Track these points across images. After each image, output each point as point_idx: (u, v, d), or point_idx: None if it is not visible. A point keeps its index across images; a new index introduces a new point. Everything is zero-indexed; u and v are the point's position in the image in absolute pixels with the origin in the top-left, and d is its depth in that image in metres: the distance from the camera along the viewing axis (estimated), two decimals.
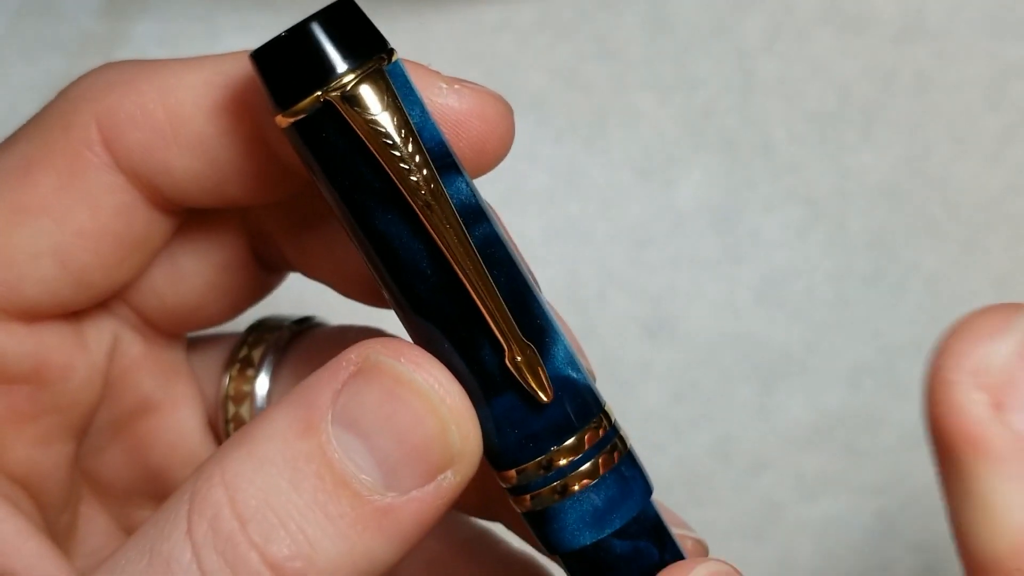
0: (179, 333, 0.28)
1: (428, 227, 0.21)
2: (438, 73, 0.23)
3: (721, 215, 0.45)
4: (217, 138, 0.23)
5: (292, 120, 0.21)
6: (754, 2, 0.45)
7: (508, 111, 0.24)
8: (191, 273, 0.26)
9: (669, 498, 0.46)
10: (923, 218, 0.45)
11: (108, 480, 0.27)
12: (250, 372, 0.28)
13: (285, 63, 0.21)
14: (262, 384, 0.28)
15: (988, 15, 0.45)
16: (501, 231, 0.22)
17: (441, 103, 0.23)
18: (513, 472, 0.22)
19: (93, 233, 0.24)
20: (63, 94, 0.24)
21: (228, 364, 0.28)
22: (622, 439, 0.23)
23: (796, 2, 0.45)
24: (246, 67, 0.23)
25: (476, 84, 0.23)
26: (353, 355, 0.21)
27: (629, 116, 0.45)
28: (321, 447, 0.20)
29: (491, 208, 0.22)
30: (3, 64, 0.46)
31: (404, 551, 0.21)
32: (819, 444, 0.45)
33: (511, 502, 0.23)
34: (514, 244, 0.23)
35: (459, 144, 0.23)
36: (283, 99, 0.21)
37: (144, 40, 0.46)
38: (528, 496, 0.22)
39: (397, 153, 0.20)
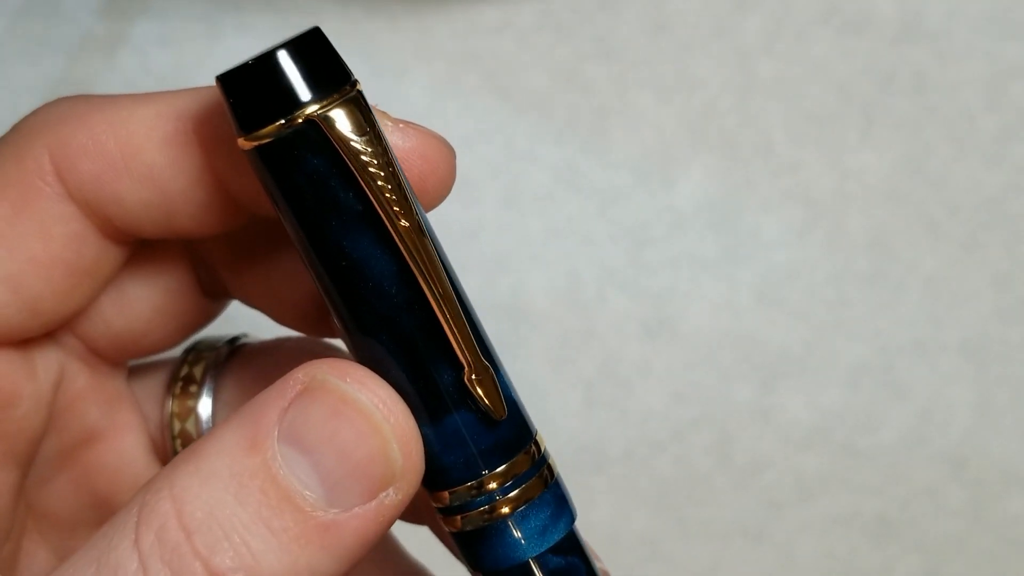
0: (123, 360, 0.28)
1: (404, 247, 0.21)
2: (385, 112, 0.24)
3: (721, 215, 0.45)
4: (167, 169, 0.24)
5: (256, 144, 0.21)
6: (754, 3, 0.45)
7: (451, 154, 0.24)
8: (137, 301, 0.27)
9: (669, 498, 0.46)
10: (922, 218, 0.45)
11: (54, 511, 0.28)
12: (193, 388, 0.29)
13: (254, 88, 0.21)
14: (205, 400, 0.29)
15: (987, 16, 0.45)
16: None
17: (390, 139, 0.23)
18: (446, 493, 0.23)
19: (45, 261, 0.24)
20: (16, 128, 0.25)
21: (171, 383, 0.29)
22: (550, 468, 0.24)
23: (795, 3, 0.45)
24: (197, 101, 0.24)
25: (421, 126, 0.24)
26: (300, 374, 0.22)
27: (629, 116, 0.45)
28: (266, 463, 0.21)
29: None
30: (4, 64, 0.46)
31: (346, 567, 0.22)
32: (818, 444, 0.45)
33: (441, 522, 0.24)
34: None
35: None
36: (249, 123, 0.21)
37: (144, 40, 0.46)
38: (459, 517, 0.23)
39: (380, 173, 0.21)
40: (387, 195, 0.21)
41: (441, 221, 0.49)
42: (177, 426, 0.28)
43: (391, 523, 0.22)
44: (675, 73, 0.45)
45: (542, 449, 0.24)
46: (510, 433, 0.23)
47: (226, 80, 0.21)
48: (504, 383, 0.23)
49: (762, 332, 0.45)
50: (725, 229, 0.45)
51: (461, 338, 0.22)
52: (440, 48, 0.46)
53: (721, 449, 0.45)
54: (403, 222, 0.21)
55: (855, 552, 0.45)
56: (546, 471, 0.23)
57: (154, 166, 0.24)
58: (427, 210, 0.24)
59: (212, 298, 0.28)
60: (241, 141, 0.21)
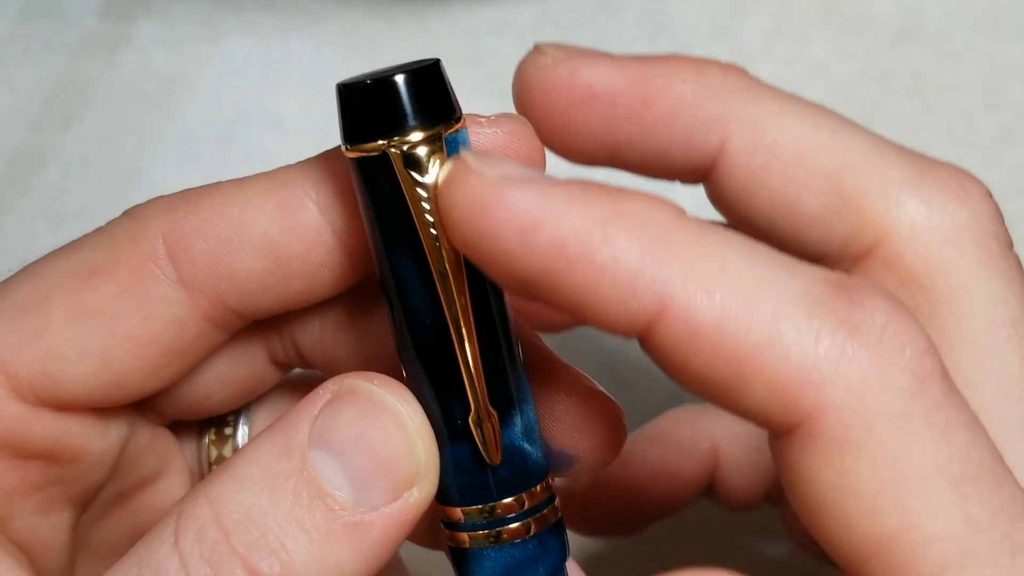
0: (181, 419, 0.29)
1: (441, 290, 0.23)
2: (476, 115, 0.25)
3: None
4: (283, 234, 0.25)
5: (353, 156, 0.23)
6: (753, 3, 0.45)
7: (529, 125, 0.25)
8: (203, 369, 0.28)
9: None
10: None
11: (102, 544, 0.29)
12: (230, 417, 0.30)
13: (362, 106, 0.23)
14: (243, 429, 0.30)
15: (986, 16, 0.45)
16: (507, 306, 0.24)
17: (487, 132, 0.25)
18: (460, 511, 0.25)
19: (141, 340, 0.25)
20: (130, 213, 0.26)
21: (205, 421, 0.30)
22: (555, 509, 0.25)
23: (795, 3, 0.45)
24: (304, 171, 0.25)
25: (508, 113, 0.25)
26: (330, 384, 0.23)
27: None
28: (298, 465, 0.22)
29: None
30: (6, 65, 0.46)
31: (373, 566, 0.23)
32: None
33: (445, 536, 0.25)
34: (512, 316, 0.25)
35: None
36: (352, 136, 0.23)
37: (146, 41, 0.46)
38: (466, 535, 0.25)
39: (431, 219, 0.23)
40: (435, 243, 0.23)
41: None
42: (214, 453, 0.30)
43: (414, 523, 0.23)
44: None
45: (551, 491, 0.25)
46: (509, 474, 0.24)
47: (343, 91, 0.23)
48: (513, 431, 0.24)
49: None
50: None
51: (474, 382, 0.24)
52: (440, 48, 0.46)
53: None
54: (445, 267, 0.23)
55: None
56: (548, 512, 0.25)
57: (268, 234, 0.25)
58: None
59: (277, 366, 0.29)
60: (344, 148, 0.23)
